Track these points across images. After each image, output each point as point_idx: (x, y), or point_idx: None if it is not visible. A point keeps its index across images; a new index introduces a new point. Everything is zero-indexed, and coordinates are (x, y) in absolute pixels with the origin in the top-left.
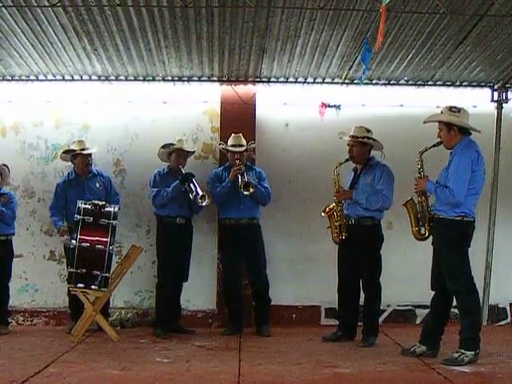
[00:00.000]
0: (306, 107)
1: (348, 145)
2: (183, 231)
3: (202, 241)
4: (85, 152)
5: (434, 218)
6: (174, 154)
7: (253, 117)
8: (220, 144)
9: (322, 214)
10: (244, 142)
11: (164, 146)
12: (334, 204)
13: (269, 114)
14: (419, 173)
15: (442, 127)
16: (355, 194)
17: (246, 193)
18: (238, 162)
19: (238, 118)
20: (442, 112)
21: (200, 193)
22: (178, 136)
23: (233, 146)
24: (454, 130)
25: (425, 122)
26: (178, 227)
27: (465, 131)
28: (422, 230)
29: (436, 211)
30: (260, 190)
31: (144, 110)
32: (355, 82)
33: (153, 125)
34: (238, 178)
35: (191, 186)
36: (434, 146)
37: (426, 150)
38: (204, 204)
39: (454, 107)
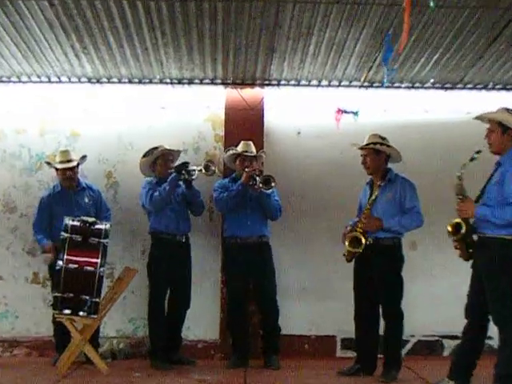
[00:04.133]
0: (320, 113)
1: (361, 156)
2: (183, 250)
3: (203, 261)
4: (63, 166)
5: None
6: (159, 159)
7: (261, 124)
8: (228, 150)
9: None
10: (254, 149)
11: (146, 155)
12: (355, 234)
13: (279, 120)
14: (461, 194)
15: (494, 128)
16: (386, 223)
17: (268, 191)
18: (248, 167)
19: (245, 126)
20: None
21: (201, 166)
22: (176, 145)
23: (243, 151)
24: (510, 133)
25: (476, 118)
26: (178, 246)
27: None
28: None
29: (482, 230)
30: (272, 201)
31: (139, 116)
32: (375, 85)
33: (149, 132)
34: (252, 180)
35: (189, 169)
36: (477, 154)
37: (472, 160)
38: (211, 171)
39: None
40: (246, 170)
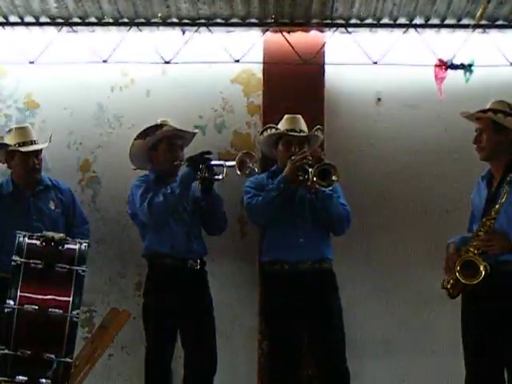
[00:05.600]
0: (412, 69)
1: (476, 131)
2: (197, 282)
3: (230, 299)
4: (30, 148)
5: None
6: (163, 144)
7: (319, 86)
8: (265, 130)
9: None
10: (305, 126)
11: (142, 136)
12: (469, 257)
13: (347, 81)
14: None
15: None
16: None
17: (327, 189)
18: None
19: (295, 90)
20: None
21: (233, 161)
22: (189, 121)
23: (288, 130)
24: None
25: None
26: (189, 276)
27: None
28: None
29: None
30: (335, 204)
31: (131, 76)
32: (499, 23)
33: (147, 101)
34: (302, 173)
35: (212, 163)
36: None
37: None
38: (248, 169)
39: None
40: (293, 157)
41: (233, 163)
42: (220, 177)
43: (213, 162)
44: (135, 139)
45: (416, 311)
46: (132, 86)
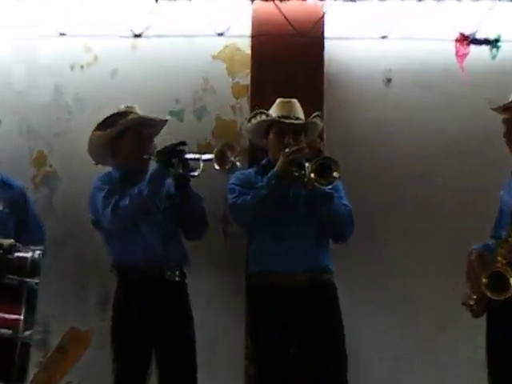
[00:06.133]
0: (427, 45)
1: (504, 122)
2: (175, 296)
3: (213, 316)
4: None
5: None
6: (129, 134)
7: (318, 64)
8: (255, 116)
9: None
10: (301, 112)
11: (103, 126)
12: (497, 269)
13: (351, 58)
14: None
15: None
16: None
17: (327, 187)
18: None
19: (288, 68)
20: None
21: (208, 156)
22: (162, 106)
23: (281, 117)
24: None
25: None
26: (166, 289)
27: None
28: None
29: None
30: (335, 205)
31: (94, 52)
32: None
33: (113, 82)
34: (297, 168)
35: (186, 157)
36: None
37: None
38: (229, 163)
39: None
40: (287, 149)
41: (210, 156)
42: (196, 173)
43: (188, 156)
44: (95, 130)
45: (431, 331)
46: (95, 64)
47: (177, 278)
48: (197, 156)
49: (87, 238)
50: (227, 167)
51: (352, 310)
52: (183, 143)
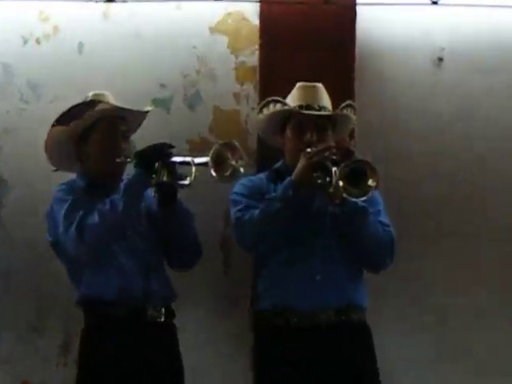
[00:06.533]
0: (490, 13)
1: None
2: (161, 342)
3: (211, 365)
4: None
5: None
6: (98, 129)
7: (348, 39)
8: (267, 104)
9: None
10: (328, 101)
11: (62, 119)
12: None
13: (391, 31)
14: None
15: None
16: None
17: (360, 199)
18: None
19: (310, 44)
20: None
21: (202, 160)
22: (143, 91)
23: (301, 107)
24: None
25: None
26: (149, 332)
27: None
28: None
29: None
30: (372, 225)
31: (54, 22)
32: None
33: (79, 60)
34: (322, 174)
35: (173, 161)
36: None
37: None
38: (228, 169)
39: None
40: (308, 149)
41: (205, 160)
42: (186, 181)
43: (175, 159)
44: (54, 125)
45: (481, 371)
46: (56, 37)
47: (162, 318)
48: (187, 159)
49: (45, 264)
50: (227, 174)
51: (387, 354)
52: (168, 145)
